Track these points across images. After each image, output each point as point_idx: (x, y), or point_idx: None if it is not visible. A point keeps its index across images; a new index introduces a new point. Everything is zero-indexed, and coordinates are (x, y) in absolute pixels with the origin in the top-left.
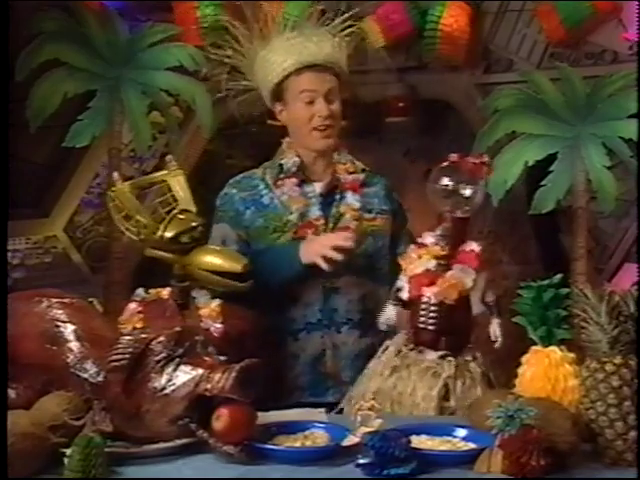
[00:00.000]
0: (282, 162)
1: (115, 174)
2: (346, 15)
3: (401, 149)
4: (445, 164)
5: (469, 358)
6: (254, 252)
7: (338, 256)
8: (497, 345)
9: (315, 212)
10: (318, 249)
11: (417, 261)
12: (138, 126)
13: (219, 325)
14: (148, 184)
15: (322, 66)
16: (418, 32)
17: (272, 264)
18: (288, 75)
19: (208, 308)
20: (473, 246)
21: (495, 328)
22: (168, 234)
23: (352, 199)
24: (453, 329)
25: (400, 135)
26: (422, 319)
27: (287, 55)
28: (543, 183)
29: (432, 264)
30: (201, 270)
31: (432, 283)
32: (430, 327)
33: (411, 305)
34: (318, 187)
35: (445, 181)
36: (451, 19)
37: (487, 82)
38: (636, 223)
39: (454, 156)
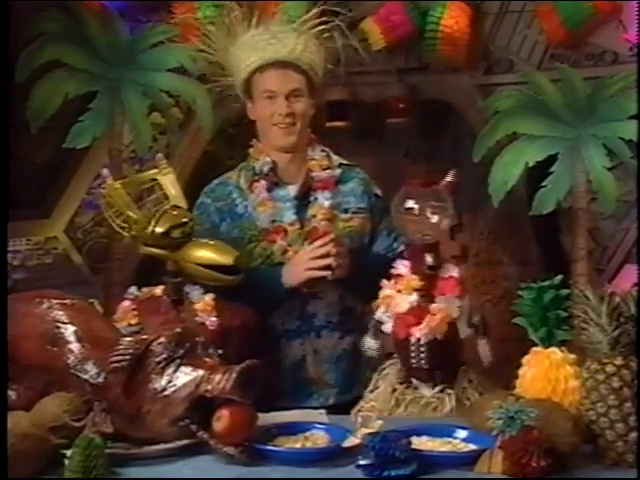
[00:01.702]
0: (254, 165)
1: (105, 171)
2: (310, 13)
3: (401, 150)
4: (410, 186)
5: (466, 385)
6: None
7: (326, 261)
8: (485, 364)
9: (290, 216)
10: (301, 267)
11: (398, 297)
12: (139, 127)
13: (214, 319)
14: (139, 183)
15: (285, 63)
16: (418, 33)
17: (253, 289)
18: (253, 72)
19: (202, 302)
20: (451, 271)
21: (484, 349)
22: (159, 229)
23: (323, 198)
24: (446, 361)
25: (400, 136)
26: (414, 360)
27: (251, 52)
28: (543, 184)
29: (413, 298)
30: (193, 264)
31: (419, 322)
32: (424, 366)
33: (399, 345)
34: (292, 190)
35: (410, 204)
36: (451, 20)
37: (487, 83)
38: (636, 224)
39: (417, 179)
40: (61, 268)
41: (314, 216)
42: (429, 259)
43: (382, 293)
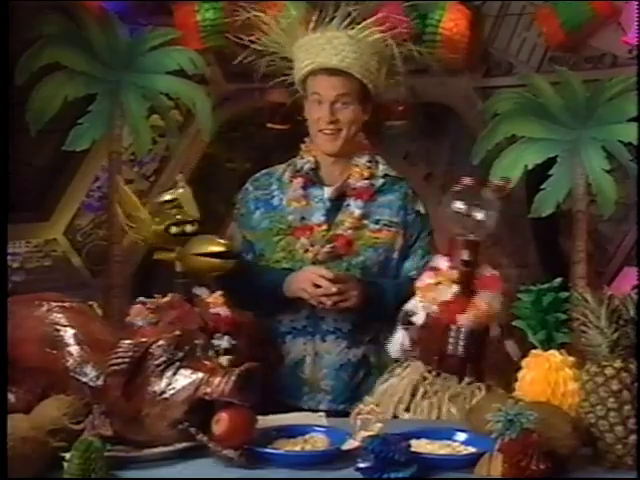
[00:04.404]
0: (298, 162)
1: (117, 176)
2: (369, 21)
3: (400, 153)
4: (459, 187)
5: (491, 382)
6: (252, 269)
7: (324, 300)
8: (516, 359)
9: (318, 217)
10: (300, 285)
11: (439, 287)
12: (138, 129)
13: (227, 309)
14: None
15: (335, 70)
16: (418, 35)
17: (258, 287)
18: (307, 75)
19: (212, 297)
20: (491, 270)
21: (513, 348)
22: (160, 226)
23: (354, 206)
24: (478, 355)
25: (400, 138)
26: (451, 347)
27: (306, 55)
28: (543, 186)
29: (455, 289)
30: (192, 255)
31: (463, 310)
32: (460, 354)
33: (437, 332)
34: (328, 191)
35: (458, 205)
36: (451, 22)
37: (487, 85)
38: (636, 227)
39: (468, 179)
40: (60, 270)
41: (342, 222)
42: (465, 255)
43: (420, 283)
